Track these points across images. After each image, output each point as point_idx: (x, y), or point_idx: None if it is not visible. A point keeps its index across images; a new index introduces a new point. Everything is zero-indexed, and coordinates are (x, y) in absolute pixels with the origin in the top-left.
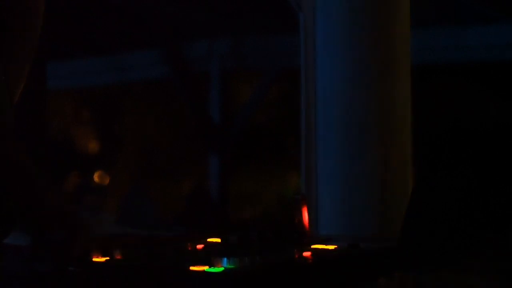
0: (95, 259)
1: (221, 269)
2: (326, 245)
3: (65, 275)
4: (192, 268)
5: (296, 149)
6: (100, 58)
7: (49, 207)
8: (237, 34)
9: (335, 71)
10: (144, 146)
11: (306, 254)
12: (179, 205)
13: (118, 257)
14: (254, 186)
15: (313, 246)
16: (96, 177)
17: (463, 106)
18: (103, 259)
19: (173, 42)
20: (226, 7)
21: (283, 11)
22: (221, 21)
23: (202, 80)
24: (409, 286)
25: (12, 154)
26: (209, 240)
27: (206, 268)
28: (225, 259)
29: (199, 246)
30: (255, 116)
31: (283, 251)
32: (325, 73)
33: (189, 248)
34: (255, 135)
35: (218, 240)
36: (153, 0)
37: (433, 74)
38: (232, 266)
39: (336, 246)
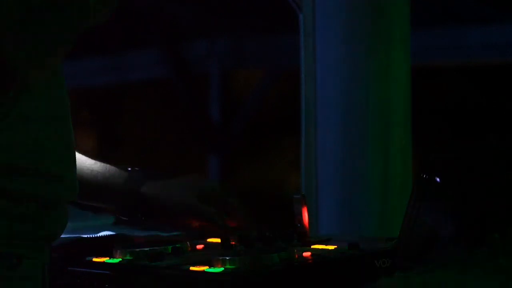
0: (95, 259)
1: (221, 269)
2: (326, 245)
3: (65, 275)
4: (192, 268)
5: (296, 149)
6: (100, 58)
7: None
8: (237, 34)
9: (335, 71)
10: (144, 146)
11: (306, 254)
12: None
13: (118, 257)
14: (254, 185)
15: (313, 246)
16: None
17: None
18: (103, 259)
19: (173, 42)
20: (226, 7)
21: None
22: (221, 21)
23: (202, 80)
24: (409, 286)
25: None
26: (209, 240)
27: (206, 268)
28: (225, 259)
29: (199, 246)
30: (255, 116)
31: (283, 251)
32: (325, 73)
33: (189, 249)
34: (255, 135)
35: (218, 240)
36: (153, 0)
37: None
38: (232, 266)
39: (336, 246)
